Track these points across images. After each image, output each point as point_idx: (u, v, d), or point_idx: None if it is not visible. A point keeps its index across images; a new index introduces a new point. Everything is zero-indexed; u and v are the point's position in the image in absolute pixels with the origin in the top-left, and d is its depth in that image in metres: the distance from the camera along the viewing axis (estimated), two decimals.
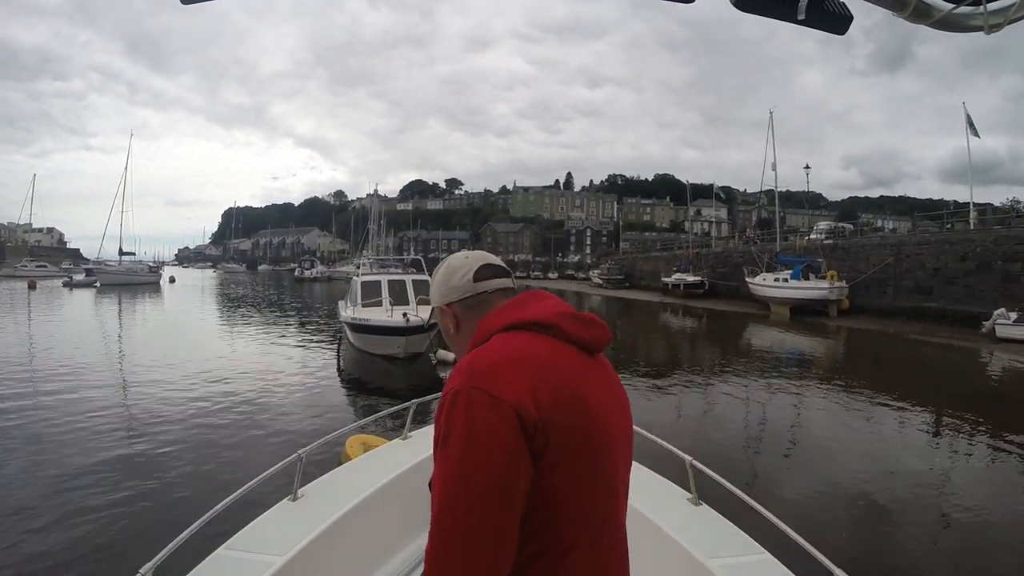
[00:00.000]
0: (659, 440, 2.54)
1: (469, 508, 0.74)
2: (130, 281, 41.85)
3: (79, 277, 43.15)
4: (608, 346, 0.98)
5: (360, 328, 11.98)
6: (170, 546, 1.71)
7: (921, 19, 0.90)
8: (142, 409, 7.61)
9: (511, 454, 0.75)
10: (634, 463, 2.64)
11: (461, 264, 1.05)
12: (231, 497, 2.00)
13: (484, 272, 1.03)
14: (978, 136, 26.46)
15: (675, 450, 2.40)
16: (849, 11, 0.92)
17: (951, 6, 0.89)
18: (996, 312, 16.97)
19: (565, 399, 0.81)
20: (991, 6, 0.86)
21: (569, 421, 0.80)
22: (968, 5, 0.88)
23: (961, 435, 7.46)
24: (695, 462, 2.26)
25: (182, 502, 4.64)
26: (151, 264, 54.43)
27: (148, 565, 1.61)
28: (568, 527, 0.81)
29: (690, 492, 2.29)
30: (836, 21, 0.94)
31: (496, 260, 1.07)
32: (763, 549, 1.88)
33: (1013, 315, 16.51)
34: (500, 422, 0.76)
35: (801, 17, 0.90)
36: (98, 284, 39.31)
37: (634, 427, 2.71)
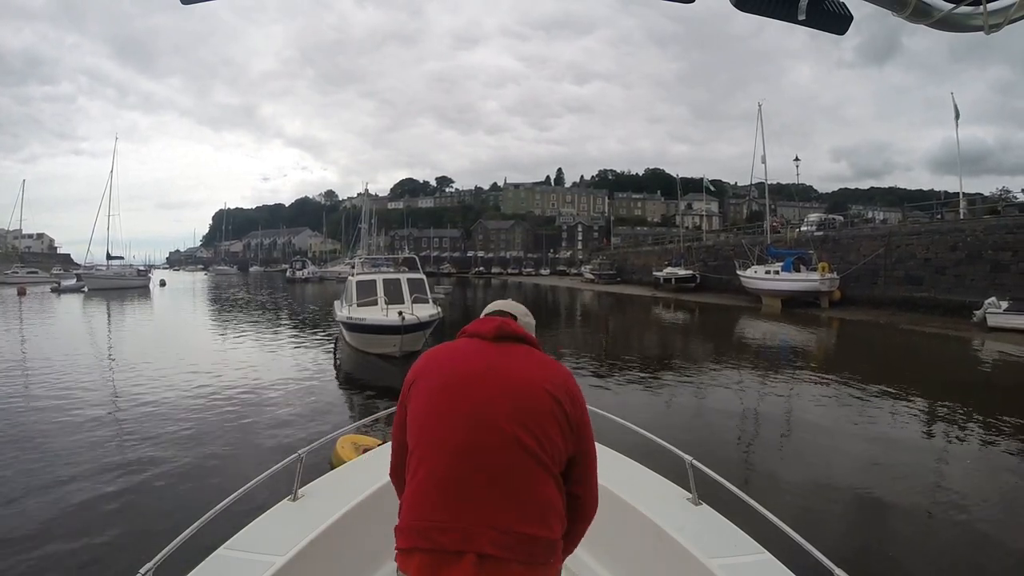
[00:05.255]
0: (659, 440, 2.54)
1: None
2: (118, 285, 41.35)
3: (68, 283, 42.62)
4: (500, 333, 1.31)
5: (356, 327, 11.95)
6: (170, 546, 1.71)
7: (921, 19, 0.90)
8: (138, 411, 7.54)
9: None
10: (634, 463, 2.67)
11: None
12: (231, 497, 2.00)
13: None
14: (956, 123, 26.66)
15: (675, 450, 2.39)
16: (849, 11, 0.92)
17: (951, 6, 0.89)
18: (987, 301, 17.16)
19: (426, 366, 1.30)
20: (991, 6, 0.85)
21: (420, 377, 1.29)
22: (968, 5, 0.88)
23: (955, 424, 7.54)
24: (695, 462, 2.26)
25: (182, 502, 4.63)
26: (140, 268, 53.88)
27: (148, 565, 1.62)
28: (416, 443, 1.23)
29: (690, 492, 2.28)
30: (836, 21, 0.93)
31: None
32: (763, 549, 1.89)
33: (1004, 304, 16.69)
34: None
35: (802, 17, 0.89)
36: (86, 289, 38.89)
37: (633, 427, 2.72)
